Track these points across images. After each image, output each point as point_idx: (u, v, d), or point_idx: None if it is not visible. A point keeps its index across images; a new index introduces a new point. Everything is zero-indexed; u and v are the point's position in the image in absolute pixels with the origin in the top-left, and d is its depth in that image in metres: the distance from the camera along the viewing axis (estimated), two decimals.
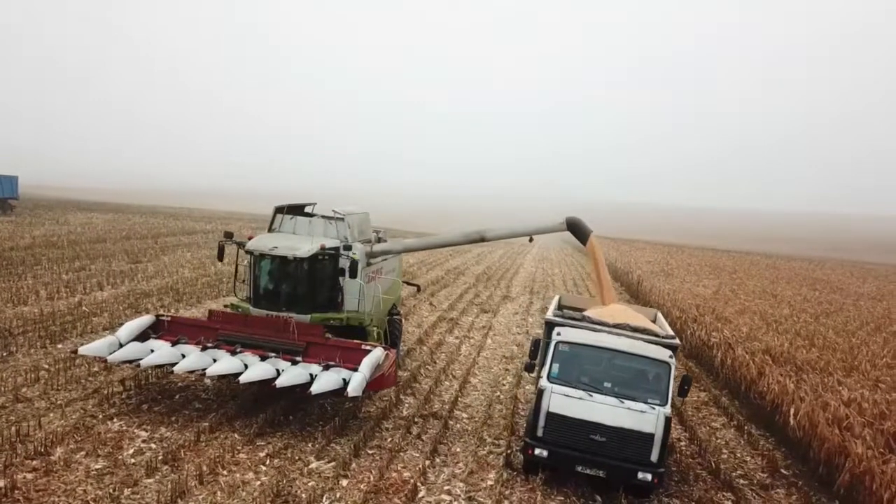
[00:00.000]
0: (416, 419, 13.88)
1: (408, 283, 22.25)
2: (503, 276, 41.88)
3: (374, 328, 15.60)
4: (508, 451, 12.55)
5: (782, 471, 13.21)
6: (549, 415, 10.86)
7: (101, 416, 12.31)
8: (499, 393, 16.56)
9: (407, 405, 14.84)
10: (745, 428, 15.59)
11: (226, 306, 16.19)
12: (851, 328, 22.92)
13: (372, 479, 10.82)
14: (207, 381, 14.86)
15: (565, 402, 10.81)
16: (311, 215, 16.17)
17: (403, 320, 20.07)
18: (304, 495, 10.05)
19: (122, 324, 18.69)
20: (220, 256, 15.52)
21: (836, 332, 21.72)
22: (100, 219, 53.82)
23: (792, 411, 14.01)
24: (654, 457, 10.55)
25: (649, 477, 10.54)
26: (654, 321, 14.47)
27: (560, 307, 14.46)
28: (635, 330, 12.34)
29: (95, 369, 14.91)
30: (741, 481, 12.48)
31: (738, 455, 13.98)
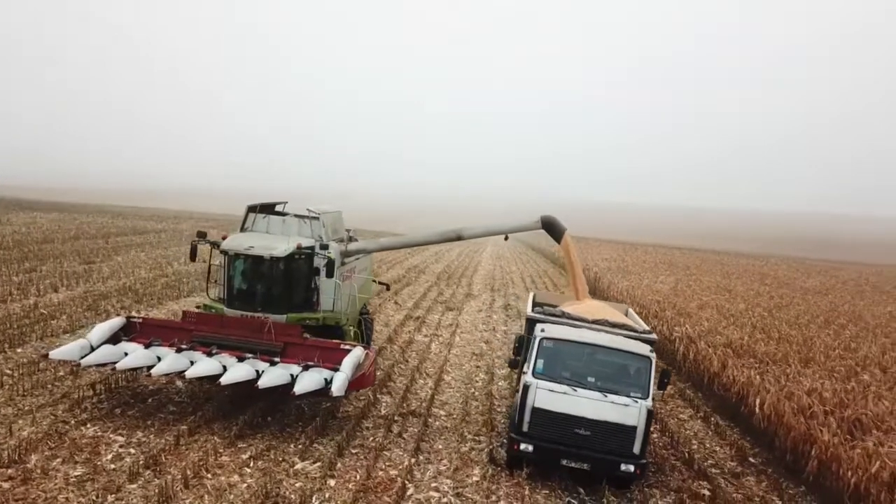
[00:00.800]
0: (395, 418, 13.91)
1: (377, 282, 22.17)
2: (463, 274, 42.11)
3: (351, 327, 15.57)
4: (490, 448, 12.69)
5: (750, 459, 13.73)
6: (535, 410, 11.04)
7: (73, 422, 11.93)
8: (473, 390, 16.70)
9: (384, 404, 14.84)
10: (712, 419, 16.13)
11: (197, 307, 15.92)
12: (803, 321, 23.89)
13: (359, 478, 10.82)
14: (179, 383, 14.62)
15: (550, 397, 11.00)
16: (283, 214, 16.02)
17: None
18: (293, 496, 9.98)
19: (83, 326, 18.50)
20: (193, 257, 15.22)
21: (790, 326, 22.63)
22: (44, 218, 51.74)
23: (758, 402, 14.57)
24: (636, 449, 10.85)
25: (632, 468, 10.83)
26: (625, 316, 14.84)
27: (535, 304, 14.68)
28: (614, 326, 12.64)
29: (61, 373, 14.43)
30: (713, 470, 12.92)
31: (708, 445, 14.47)
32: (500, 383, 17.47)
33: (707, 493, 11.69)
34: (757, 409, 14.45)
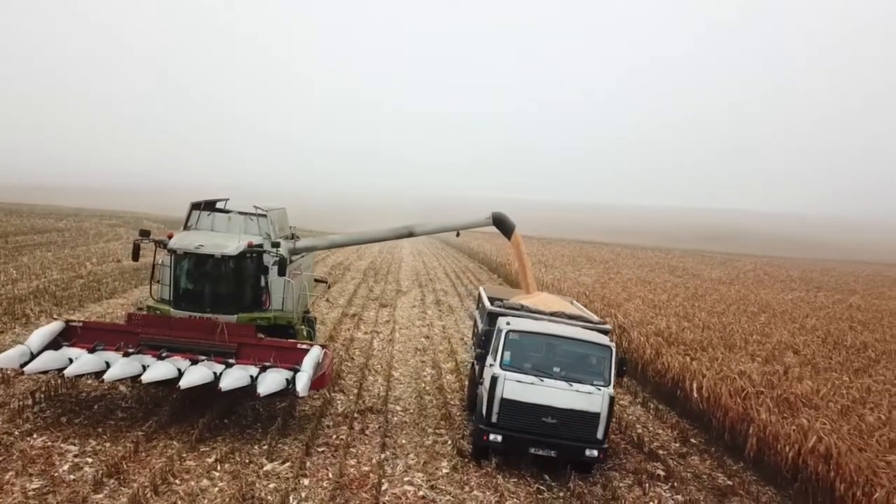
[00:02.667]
0: (355, 415, 13.89)
1: (317, 280, 21.92)
2: (389, 271, 42.14)
3: (303, 326, 15.39)
4: (454, 440, 12.92)
5: (692, 440, 14.63)
6: (504, 401, 11.36)
7: (17, 433, 11.22)
8: (423, 384, 16.89)
9: (340, 402, 14.78)
10: (650, 404, 17.05)
11: (139, 308, 15.29)
12: (719, 310, 25.53)
13: (332, 476, 10.79)
14: (123, 388, 14.02)
15: (518, 387, 11.35)
16: (227, 211, 15.62)
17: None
18: (269, 497, 9.85)
19: (2, 331, 17.34)
20: (136, 256, 14.57)
21: (709, 314, 24.13)
22: None
23: (695, 386, 15.52)
24: (599, 434, 11.38)
25: (595, 453, 11.36)
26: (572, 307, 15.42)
27: (489, 298, 15.00)
28: (571, 317, 13.15)
29: None
30: (661, 451, 13.70)
31: (651, 428, 15.30)
32: (448, 377, 17.73)
33: (662, 472, 12.41)
34: (694, 393, 15.39)
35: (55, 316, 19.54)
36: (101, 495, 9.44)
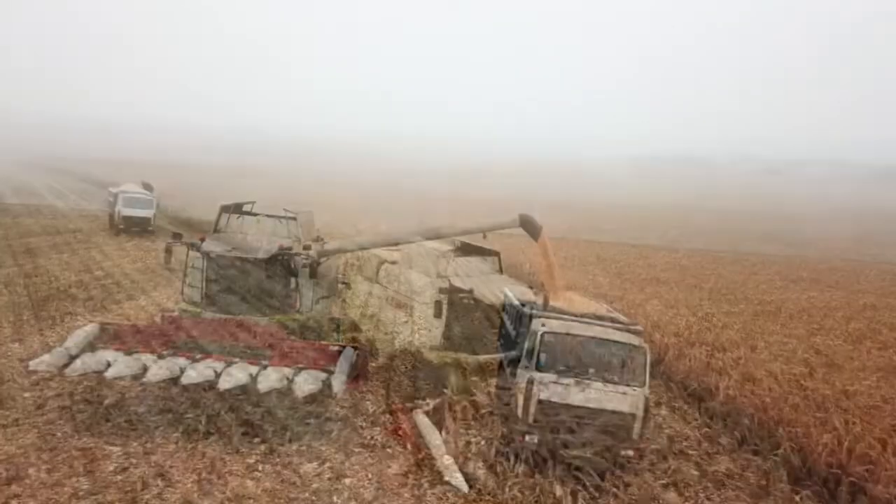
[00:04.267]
0: (386, 415, 13.99)
1: (340, 282, 22.04)
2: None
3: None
4: (487, 440, 13.01)
5: (720, 441, 14.68)
6: (540, 402, 11.47)
7: (59, 434, 11.41)
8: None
9: (369, 402, 14.89)
10: (674, 404, 17.10)
11: (167, 311, 15.43)
12: (738, 310, 25.56)
13: (371, 475, 10.93)
14: (156, 389, 14.11)
15: (554, 389, 11.46)
16: (255, 214, 15.79)
17: None
18: (314, 497, 9.99)
19: (29, 334, 17.50)
20: (168, 259, 14.73)
21: (728, 315, 24.17)
22: None
23: (721, 386, 15.61)
24: (635, 434, 11.49)
25: (631, 453, 11.46)
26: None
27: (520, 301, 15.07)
28: (602, 318, 13.23)
29: (26, 384, 13.67)
30: (691, 452, 13.77)
31: (678, 429, 15.35)
32: (472, 378, 17.79)
33: (695, 472, 12.51)
34: (720, 394, 15.47)
35: (79, 318, 19.71)
36: (150, 495, 9.59)
